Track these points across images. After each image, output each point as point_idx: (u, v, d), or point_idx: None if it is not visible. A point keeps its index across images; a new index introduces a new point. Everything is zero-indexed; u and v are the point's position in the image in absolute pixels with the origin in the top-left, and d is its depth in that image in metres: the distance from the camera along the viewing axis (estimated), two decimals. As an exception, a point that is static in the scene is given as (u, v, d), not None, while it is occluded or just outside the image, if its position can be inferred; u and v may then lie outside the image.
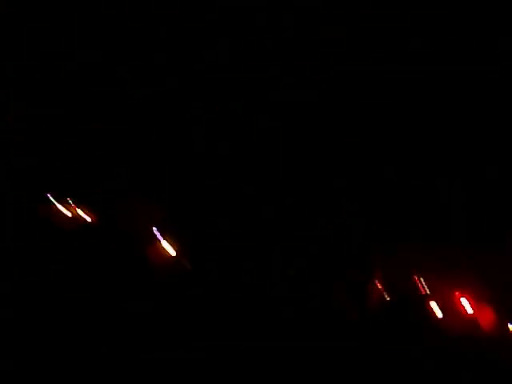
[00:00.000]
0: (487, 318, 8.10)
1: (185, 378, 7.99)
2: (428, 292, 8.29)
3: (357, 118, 8.70)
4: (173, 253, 8.71)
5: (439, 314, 8.27)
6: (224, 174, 8.85)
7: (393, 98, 8.58)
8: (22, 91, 8.92)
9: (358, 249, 8.57)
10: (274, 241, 8.64)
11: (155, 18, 8.81)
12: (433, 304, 8.28)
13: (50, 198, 8.95)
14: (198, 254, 8.68)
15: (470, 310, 8.14)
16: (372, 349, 8.04)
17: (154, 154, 8.97)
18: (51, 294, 8.19)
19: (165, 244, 8.72)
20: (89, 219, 8.98)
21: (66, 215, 8.99)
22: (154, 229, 8.69)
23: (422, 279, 8.32)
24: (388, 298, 8.38)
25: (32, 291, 8.23)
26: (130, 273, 8.49)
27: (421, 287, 8.31)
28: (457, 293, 8.18)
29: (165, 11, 8.77)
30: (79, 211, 9.00)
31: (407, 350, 8.02)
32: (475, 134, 8.50)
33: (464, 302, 8.17)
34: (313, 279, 8.52)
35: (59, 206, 8.98)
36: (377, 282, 8.40)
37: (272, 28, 8.70)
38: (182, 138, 8.96)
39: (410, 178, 8.61)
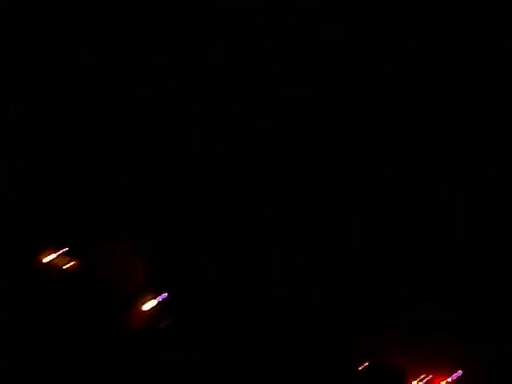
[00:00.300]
0: None
1: (185, 378, 8.00)
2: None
3: (357, 118, 8.70)
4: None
5: None
6: (224, 174, 8.84)
7: (393, 97, 8.58)
8: (22, 91, 8.91)
9: (358, 249, 8.57)
10: (274, 241, 8.64)
11: (155, 18, 8.81)
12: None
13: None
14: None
15: None
16: None
17: (153, 155, 8.97)
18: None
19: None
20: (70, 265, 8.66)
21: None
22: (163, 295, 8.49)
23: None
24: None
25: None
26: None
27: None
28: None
29: (165, 11, 8.77)
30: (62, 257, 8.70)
31: None
32: (475, 134, 8.50)
33: None
34: (313, 279, 8.51)
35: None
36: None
37: (272, 28, 8.70)
38: (182, 138, 8.95)
39: (410, 178, 8.61)
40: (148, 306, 8.36)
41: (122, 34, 8.87)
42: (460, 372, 7.93)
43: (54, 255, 8.59)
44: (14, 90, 8.89)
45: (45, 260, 8.58)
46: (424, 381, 7.98)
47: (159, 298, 8.34)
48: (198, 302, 8.46)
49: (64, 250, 8.62)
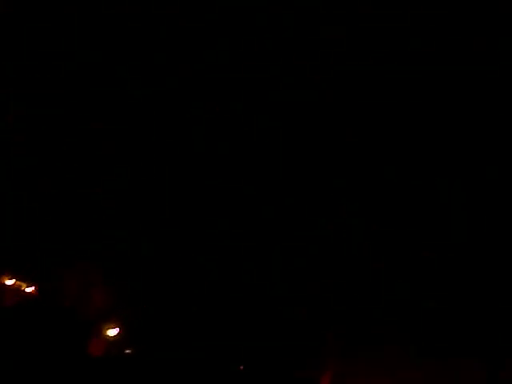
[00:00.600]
0: None
1: (185, 377, 8.00)
2: None
3: (357, 118, 8.70)
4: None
5: None
6: (224, 174, 8.84)
7: (393, 97, 8.57)
8: (22, 91, 8.92)
9: (358, 249, 8.57)
10: (274, 241, 8.64)
11: (155, 18, 8.81)
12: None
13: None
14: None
15: None
16: None
17: (153, 154, 8.97)
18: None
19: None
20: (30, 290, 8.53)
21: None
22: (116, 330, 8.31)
23: None
24: None
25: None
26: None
27: None
28: None
29: (165, 11, 8.77)
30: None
31: None
32: (475, 134, 8.50)
33: None
34: (313, 279, 8.52)
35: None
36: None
37: (272, 28, 8.70)
38: (182, 137, 8.95)
39: (410, 178, 8.60)
40: (112, 332, 8.30)
41: (122, 33, 8.87)
42: None
43: (14, 279, 8.57)
44: (14, 89, 8.90)
45: (7, 283, 8.58)
46: None
47: (115, 330, 8.26)
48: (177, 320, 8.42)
49: (24, 273, 8.58)
